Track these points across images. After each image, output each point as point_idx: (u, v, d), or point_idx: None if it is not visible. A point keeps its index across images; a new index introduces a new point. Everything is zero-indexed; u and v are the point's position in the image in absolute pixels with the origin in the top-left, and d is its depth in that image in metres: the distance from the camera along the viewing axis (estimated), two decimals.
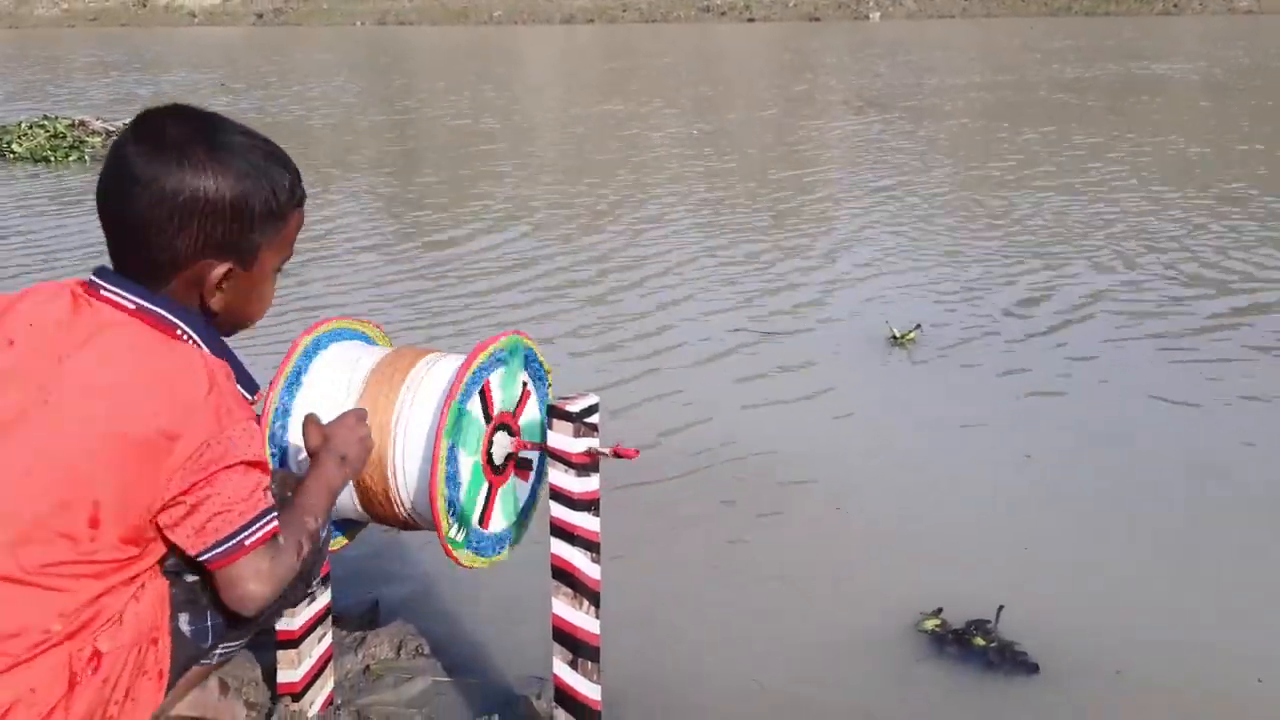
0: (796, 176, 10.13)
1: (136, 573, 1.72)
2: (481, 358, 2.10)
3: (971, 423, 4.37)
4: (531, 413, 2.30)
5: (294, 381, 2.22)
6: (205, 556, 1.71)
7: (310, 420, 1.99)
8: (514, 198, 9.31)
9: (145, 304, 1.70)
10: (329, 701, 2.53)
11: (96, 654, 1.67)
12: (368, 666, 2.78)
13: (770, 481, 3.87)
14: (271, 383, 2.19)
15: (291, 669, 2.43)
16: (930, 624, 2.88)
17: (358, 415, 2.02)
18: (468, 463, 2.13)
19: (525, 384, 2.29)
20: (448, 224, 8.34)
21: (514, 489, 2.31)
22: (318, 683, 2.49)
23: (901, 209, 8.53)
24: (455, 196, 9.40)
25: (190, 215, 1.66)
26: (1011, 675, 2.72)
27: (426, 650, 2.87)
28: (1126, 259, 6.84)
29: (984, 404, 4.59)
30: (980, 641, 2.79)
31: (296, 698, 2.45)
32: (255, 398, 1.81)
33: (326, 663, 2.52)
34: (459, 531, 2.14)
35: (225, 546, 1.70)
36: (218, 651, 1.91)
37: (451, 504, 2.10)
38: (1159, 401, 4.56)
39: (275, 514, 1.77)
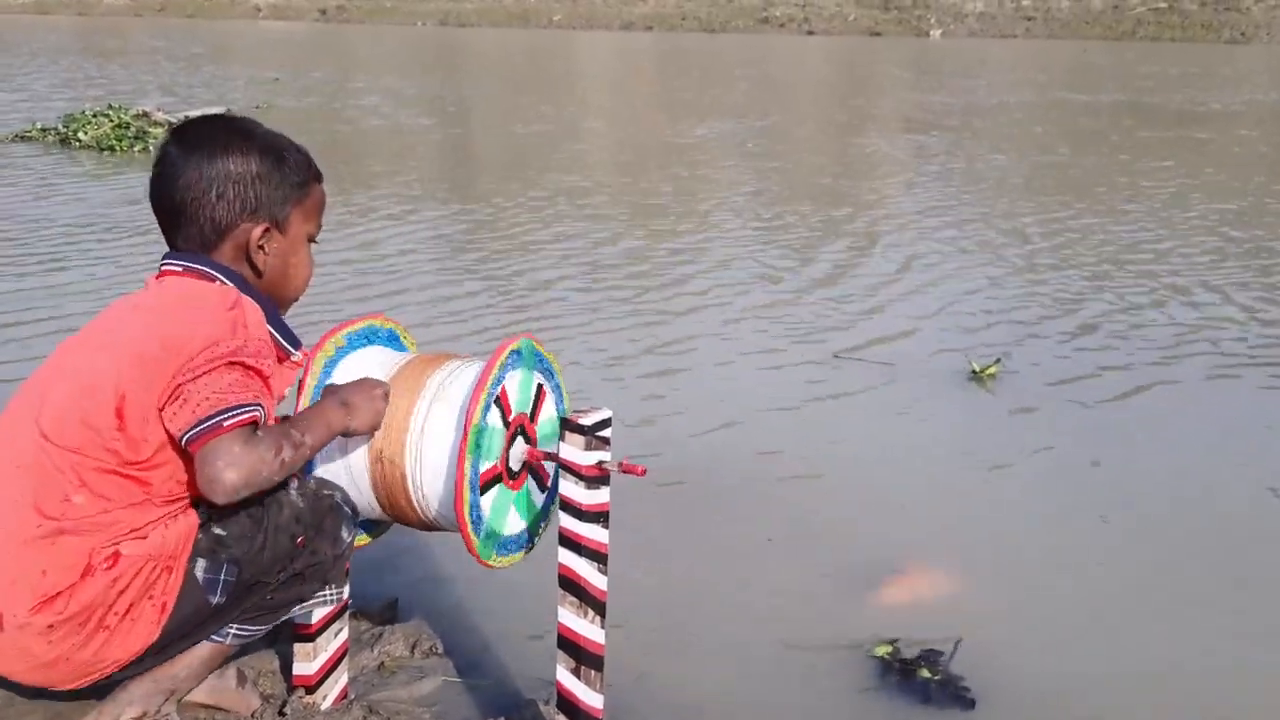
0: (861, 196, 10.13)
1: (170, 497, 1.91)
2: (495, 370, 2.17)
3: (1032, 470, 4.23)
4: (549, 412, 2.35)
5: (333, 361, 2.30)
6: (186, 436, 1.85)
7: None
8: (566, 209, 9.39)
9: (191, 264, 2.04)
10: (343, 695, 2.60)
11: (116, 554, 1.87)
12: (382, 663, 2.85)
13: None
14: (313, 349, 2.28)
15: (307, 662, 2.50)
16: (882, 650, 2.89)
17: (377, 381, 2.19)
18: (489, 471, 2.19)
19: (540, 385, 2.34)
20: (501, 227, 8.44)
21: (529, 491, 2.36)
22: (332, 676, 2.56)
23: (965, 232, 8.50)
24: (510, 199, 9.51)
25: (225, 184, 2.03)
26: (945, 708, 2.74)
27: (440, 650, 2.93)
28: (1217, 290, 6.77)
29: (1054, 448, 4.41)
30: (925, 673, 2.80)
31: (311, 690, 2.52)
32: (300, 353, 2.07)
33: (342, 657, 2.59)
34: (484, 540, 2.20)
35: (204, 425, 1.84)
36: (231, 631, 1.99)
37: (474, 510, 2.16)
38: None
39: (258, 407, 1.90)
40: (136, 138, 11.64)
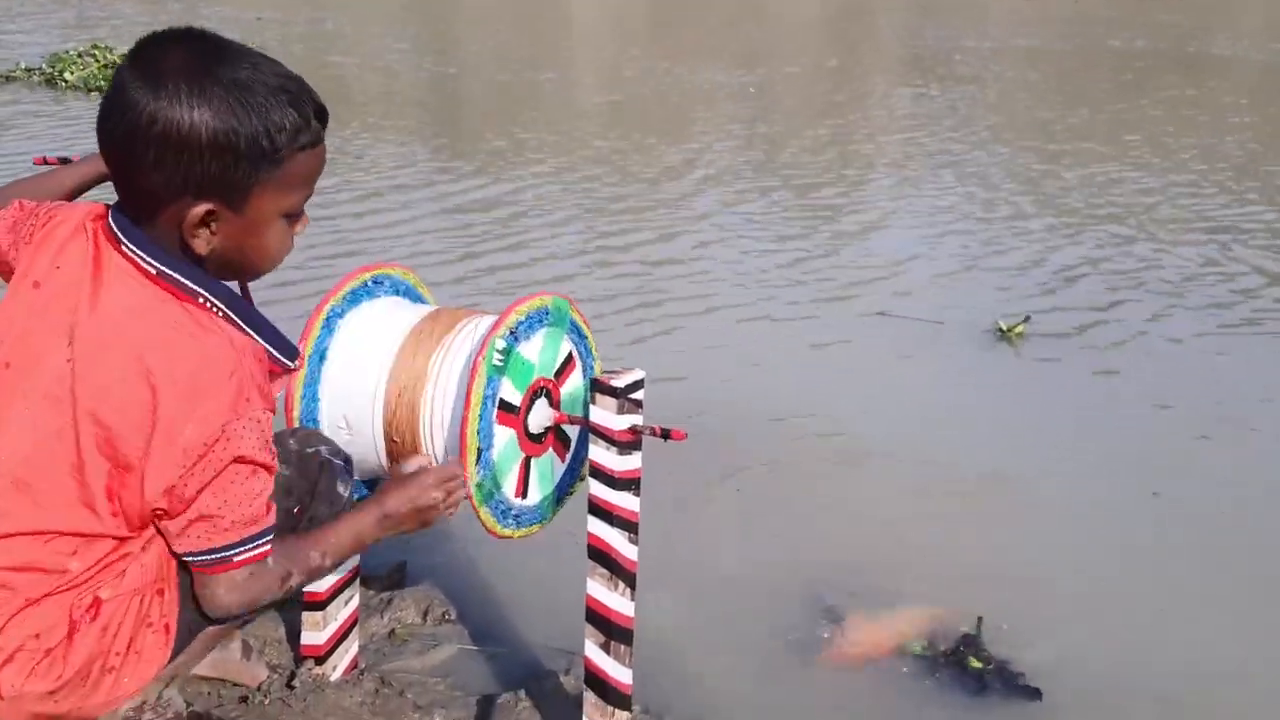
0: (867, 145, 9.93)
1: (150, 536, 1.66)
2: (524, 308, 2.05)
3: (1076, 439, 4.03)
4: (574, 383, 2.22)
5: (330, 326, 2.15)
6: (190, 560, 1.64)
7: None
8: (559, 150, 9.18)
9: (166, 270, 1.58)
10: (353, 665, 2.48)
11: (96, 601, 1.62)
12: (393, 631, 2.73)
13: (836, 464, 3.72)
14: (308, 323, 2.12)
15: (316, 631, 2.38)
16: (918, 647, 2.72)
17: (438, 478, 1.93)
18: (505, 434, 2.05)
19: (571, 354, 2.20)
20: (491, 175, 8.24)
21: (552, 463, 2.23)
22: (342, 646, 2.44)
23: (984, 185, 8.32)
24: (499, 147, 9.29)
25: (164, 149, 1.51)
26: (1009, 699, 2.61)
27: (452, 617, 2.81)
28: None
29: (1095, 415, 4.23)
30: (975, 663, 2.66)
31: (320, 661, 2.40)
32: (295, 364, 1.71)
33: (352, 626, 2.46)
34: (487, 493, 2.05)
35: (212, 559, 1.63)
36: None
37: (483, 456, 2.02)
38: None
39: (269, 538, 1.68)
40: None
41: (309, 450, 1.93)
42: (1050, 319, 5.20)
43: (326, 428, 2.12)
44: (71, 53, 12.13)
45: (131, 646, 1.65)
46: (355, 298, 2.18)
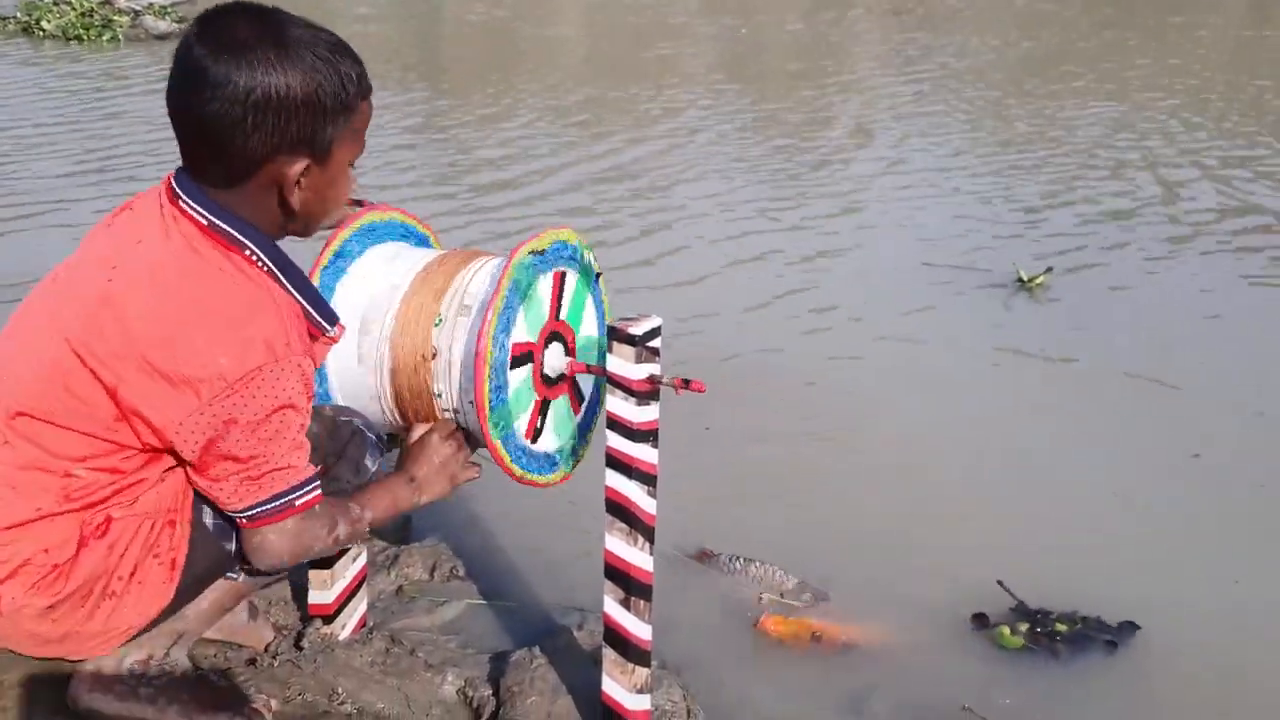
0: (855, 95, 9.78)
1: (167, 465, 1.68)
2: (553, 236, 2.00)
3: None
4: (589, 331, 2.14)
5: (338, 265, 2.07)
6: (240, 515, 1.66)
7: (409, 436, 2.01)
8: (542, 95, 9.02)
9: (217, 221, 1.63)
10: (361, 623, 2.41)
11: (108, 519, 1.65)
12: (400, 587, 2.66)
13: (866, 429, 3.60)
14: (316, 261, 2.05)
15: (324, 590, 2.31)
16: (1010, 641, 2.54)
17: (442, 433, 1.97)
18: (519, 375, 1.98)
19: (589, 305, 2.13)
20: (479, 118, 8.10)
21: (568, 412, 2.15)
22: (350, 604, 2.37)
23: (987, 130, 8.22)
24: (483, 91, 9.13)
25: (264, 113, 1.59)
26: (1083, 652, 2.54)
27: (461, 572, 2.74)
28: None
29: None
30: (1061, 627, 2.57)
31: (328, 620, 2.33)
32: (335, 329, 1.74)
33: (360, 584, 2.39)
34: (499, 430, 1.98)
35: (264, 510, 1.66)
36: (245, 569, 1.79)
37: (498, 391, 1.95)
38: None
39: (313, 488, 1.70)
40: (104, 26, 11.10)
41: (343, 419, 1.94)
42: (1073, 268, 5.05)
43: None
44: (47, 1, 11.85)
45: (135, 574, 1.66)
46: (359, 242, 2.10)
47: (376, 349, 2.02)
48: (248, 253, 1.63)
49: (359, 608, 2.41)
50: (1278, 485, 3.26)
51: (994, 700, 2.31)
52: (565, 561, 2.79)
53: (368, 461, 1.99)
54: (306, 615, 2.36)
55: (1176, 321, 4.52)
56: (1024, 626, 2.53)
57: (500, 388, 1.96)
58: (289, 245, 1.75)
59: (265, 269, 1.65)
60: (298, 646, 2.28)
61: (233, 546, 1.72)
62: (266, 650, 2.28)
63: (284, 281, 1.67)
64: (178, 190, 1.66)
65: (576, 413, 2.19)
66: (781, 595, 2.68)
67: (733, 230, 5.55)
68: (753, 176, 6.64)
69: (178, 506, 1.68)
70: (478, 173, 6.63)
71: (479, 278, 2.03)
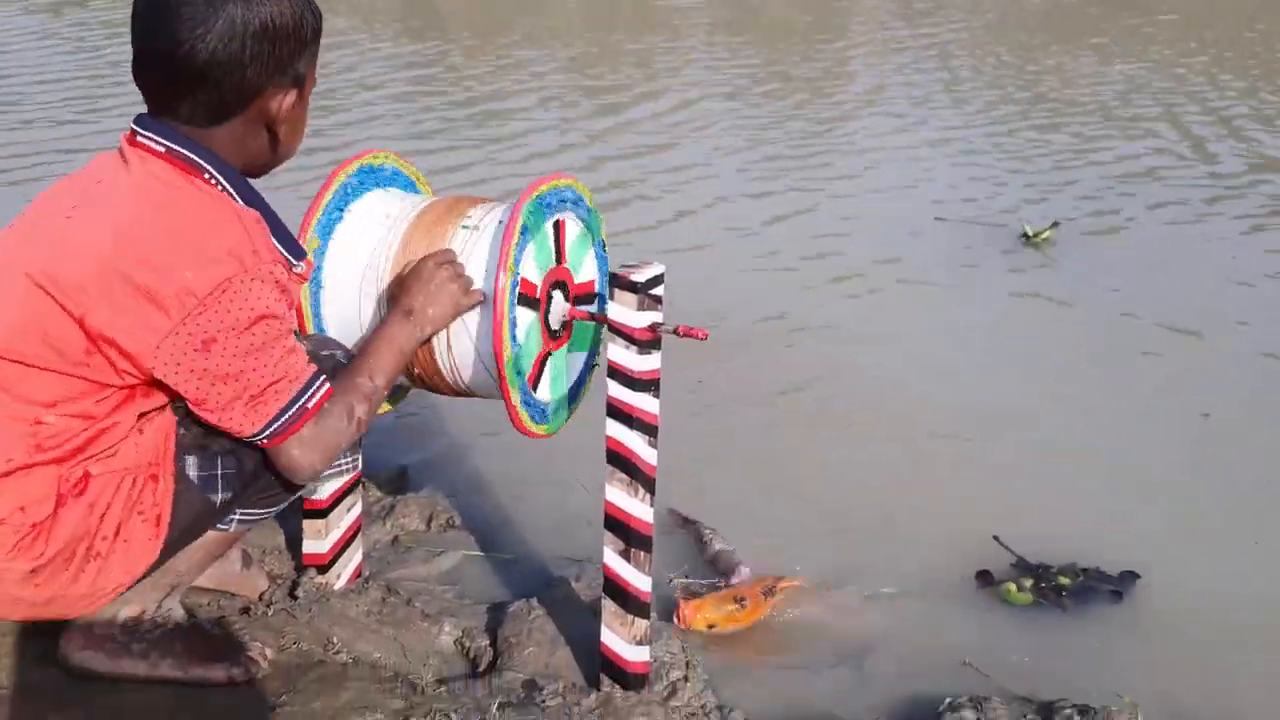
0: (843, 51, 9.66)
1: (147, 407, 1.62)
2: (552, 183, 1.96)
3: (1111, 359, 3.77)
4: (573, 233, 2.11)
5: (341, 203, 2.03)
6: (261, 436, 1.62)
7: (399, 275, 1.93)
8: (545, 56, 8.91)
9: (176, 146, 1.59)
10: (357, 573, 2.39)
11: (86, 475, 1.60)
12: (396, 538, 2.64)
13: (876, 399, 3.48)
14: (308, 212, 2.00)
15: (319, 540, 2.28)
16: (1018, 597, 2.50)
17: (437, 259, 1.89)
18: (526, 317, 1.95)
19: (558, 220, 2.08)
20: (473, 69, 8.00)
21: (565, 363, 2.12)
22: (345, 554, 2.35)
23: (986, 83, 8.13)
24: (479, 39, 9.02)
25: (261, 42, 1.57)
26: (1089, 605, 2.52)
27: (457, 523, 2.72)
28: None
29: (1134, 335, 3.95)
30: (1064, 580, 2.54)
31: (323, 570, 2.31)
32: (302, 265, 1.68)
33: (355, 534, 2.37)
34: (520, 394, 1.96)
35: (280, 424, 1.61)
36: (235, 518, 1.75)
37: (517, 360, 1.93)
38: None
39: (320, 383, 1.65)
40: None
41: (325, 353, 1.85)
42: (1079, 223, 4.96)
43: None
44: None
45: (120, 533, 1.60)
46: (353, 190, 2.06)
47: (377, 275, 1.99)
48: (207, 176, 1.59)
49: (354, 558, 2.38)
50: None
51: (1003, 656, 2.29)
52: (562, 513, 2.76)
53: None
54: (301, 565, 2.33)
55: (1186, 278, 4.45)
56: (1028, 582, 2.51)
57: (514, 323, 1.93)
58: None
59: (225, 191, 1.61)
60: (292, 596, 2.25)
61: (219, 498, 1.68)
62: (260, 599, 2.25)
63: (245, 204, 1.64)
64: (138, 130, 1.62)
65: (573, 373, 2.16)
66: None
67: (733, 188, 5.49)
68: (757, 135, 6.57)
69: (159, 460, 1.63)
70: (468, 127, 6.55)
71: (487, 216, 2.00)
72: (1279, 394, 3.51)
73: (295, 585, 2.28)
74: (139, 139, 1.61)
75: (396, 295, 1.88)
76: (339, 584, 2.33)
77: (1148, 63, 8.61)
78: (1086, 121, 6.84)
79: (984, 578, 2.55)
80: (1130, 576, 2.58)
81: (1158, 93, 7.60)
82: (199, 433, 1.65)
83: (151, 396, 1.61)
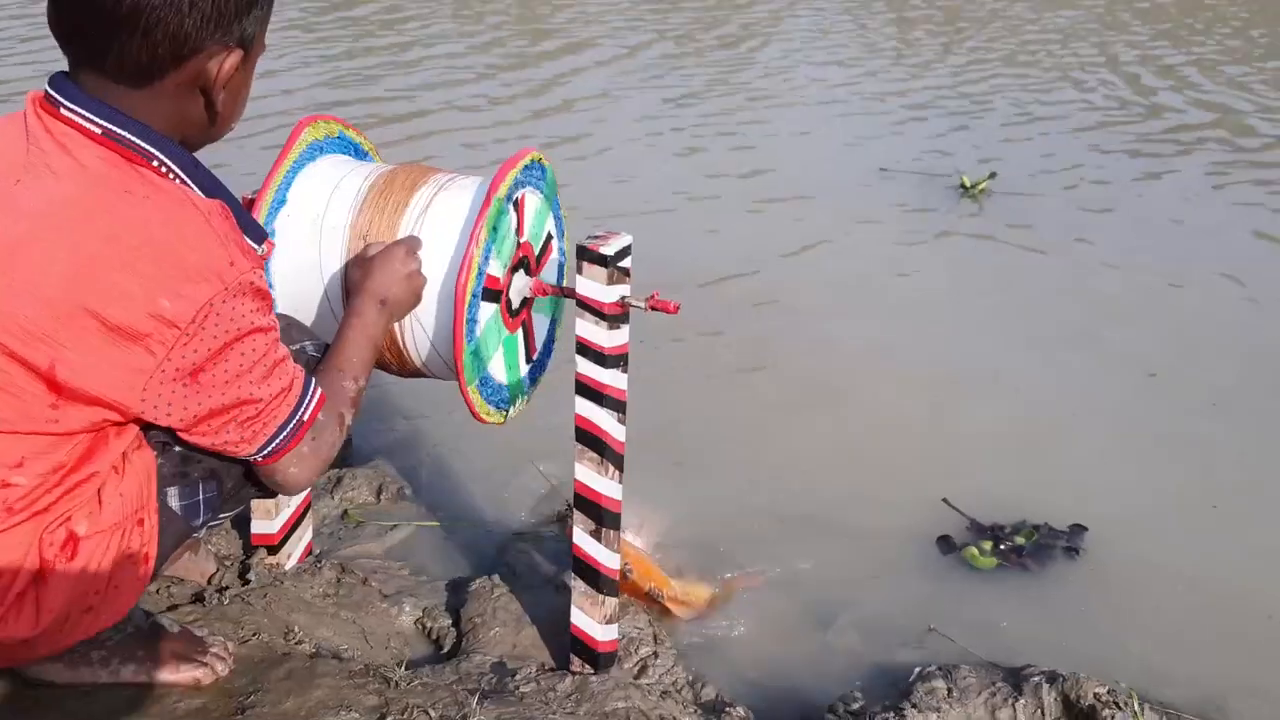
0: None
1: (125, 447, 1.45)
2: (518, 167, 1.84)
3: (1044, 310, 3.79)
4: (532, 207, 2.01)
5: (292, 173, 1.92)
6: (258, 456, 1.50)
7: (359, 254, 1.78)
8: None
9: (114, 128, 1.35)
10: (308, 551, 2.31)
11: (72, 537, 1.42)
12: (345, 511, 2.56)
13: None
14: (262, 187, 1.88)
15: (268, 520, 2.19)
16: (981, 561, 2.50)
17: (407, 247, 1.77)
18: (488, 310, 1.86)
19: (550, 235, 2.01)
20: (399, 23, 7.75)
21: (516, 349, 2.04)
22: (296, 533, 2.26)
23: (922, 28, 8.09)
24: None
25: None
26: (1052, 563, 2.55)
27: (408, 494, 2.65)
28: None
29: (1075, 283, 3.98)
30: (1021, 540, 2.56)
31: (273, 550, 2.22)
32: (263, 248, 1.49)
33: (305, 511, 2.28)
34: (478, 384, 1.88)
35: (279, 441, 1.49)
36: (206, 524, 1.65)
37: (476, 354, 1.84)
38: None
39: (314, 393, 1.53)
40: None
41: (293, 347, 1.70)
42: (1015, 173, 4.96)
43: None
44: None
45: (111, 582, 1.46)
46: (305, 158, 1.95)
47: (341, 246, 1.88)
48: (156, 163, 1.37)
49: (304, 536, 2.30)
50: (1227, 397, 3.28)
51: (968, 621, 2.30)
52: (512, 481, 2.71)
53: None
54: (248, 545, 2.24)
55: (1127, 229, 4.49)
56: (988, 545, 2.52)
57: (474, 322, 1.84)
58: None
59: (179, 181, 1.39)
60: (243, 579, 2.17)
61: (200, 521, 1.57)
62: (210, 583, 2.16)
63: (198, 191, 1.42)
64: (59, 97, 1.36)
65: (533, 353, 2.09)
66: None
67: (671, 147, 5.39)
68: (697, 91, 6.46)
69: (144, 503, 1.49)
70: (380, 81, 6.36)
71: (445, 202, 1.88)
72: (1225, 350, 3.54)
73: (245, 568, 2.19)
74: (64, 113, 1.35)
75: (362, 280, 1.75)
76: (290, 564, 2.25)
77: (1081, 9, 8.65)
78: (1026, 72, 6.85)
79: (945, 543, 2.56)
80: (1079, 530, 2.62)
81: (1098, 42, 7.64)
82: (177, 459, 1.51)
83: (126, 432, 1.45)
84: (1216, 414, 3.15)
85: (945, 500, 2.69)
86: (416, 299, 1.79)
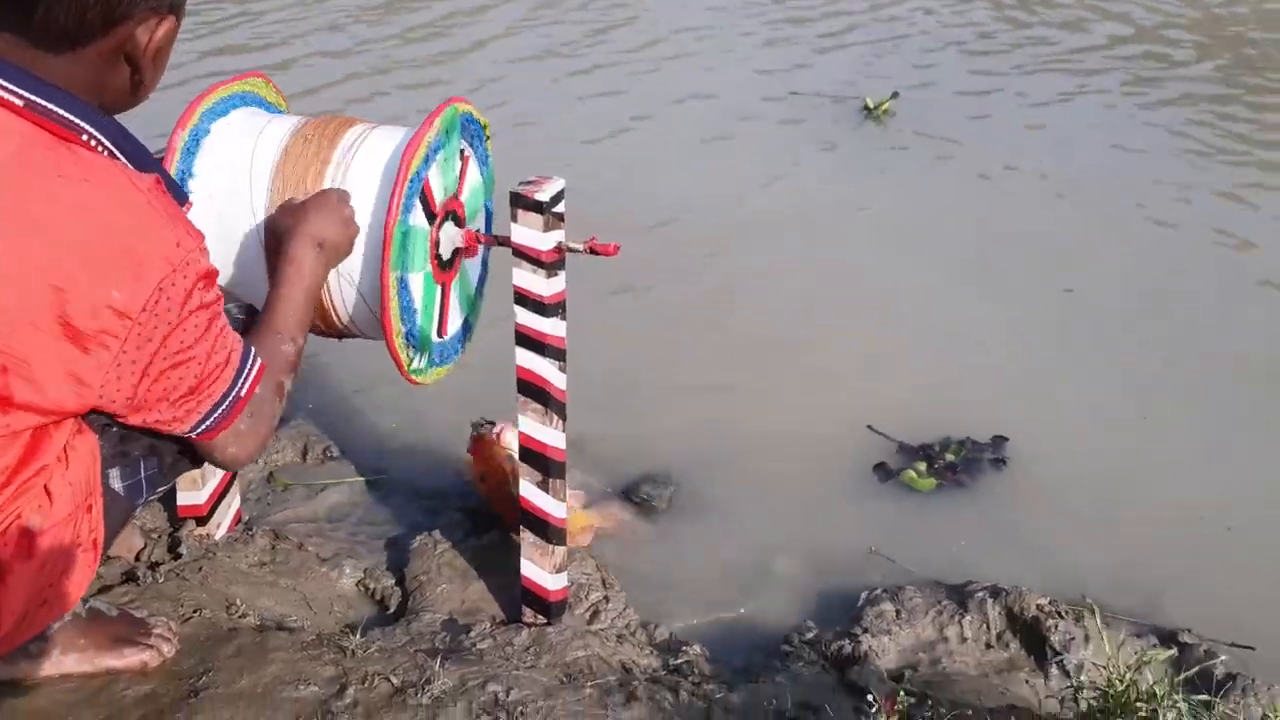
0: None
1: (63, 440, 1.36)
2: (416, 162, 1.74)
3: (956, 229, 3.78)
4: (473, 178, 1.96)
5: (191, 147, 1.82)
6: (194, 433, 1.41)
7: (286, 203, 1.69)
8: None
9: (39, 100, 1.24)
10: (237, 519, 2.24)
11: (27, 535, 1.33)
12: (271, 474, 2.49)
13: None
14: (167, 148, 1.78)
15: (194, 490, 2.11)
16: (920, 482, 2.55)
17: (339, 195, 1.69)
18: (418, 280, 1.80)
19: (463, 150, 1.94)
20: None
21: (465, 273, 1.99)
22: (224, 502, 2.19)
23: None
24: None
25: None
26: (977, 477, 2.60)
27: (335, 453, 2.58)
28: None
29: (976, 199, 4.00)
30: (951, 457, 2.61)
31: (202, 521, 2.15)
32: (186, 206, 1.40)
33: (232, 479, 2.21)
34: (421, 359, 1.83)
35: (218, 415, 1.41)
36: (145, 499, 1.58)
37: (410, 336, 1.78)
38: None
39: (252, 365, 1.44)
40: None
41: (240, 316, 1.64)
42: (919, 93, 4.90)
43: None
44: None
45: (64, 573, 1.39)
46: (218, 110, 1.85)
47: (265, 193, 1.79)
48: (85, 137, 1.27)
49: (233, 504, 2.23)
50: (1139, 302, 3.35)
51: (908, 542, 2.34)
52: (444, 432, 2.65)
53: None
54: (175, 516, 2.17)
55: (1034, 144, 4.49)
56: (923, 466, 2.56)
57: (404, 277, 1.77)
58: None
59: (113, 158, 1.30)
60: (174, 553, 2.09)
61: (143, 498, 1.49)
62: (139, 559, 2.09)
63: (127, 164, 1.32)
64: None
65: (461, 306, 2.03)
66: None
67: (581, 87, 5.23)
68: (566, 33, 6.30)
69: (91, 488, 1.41)
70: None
71: (366, 158, 1.80)
72: (1143, 266, 3.57)
73: (175, 541, 2.12)
74: None
75: (296, 224, 1.65)
76: (219, 534, 2.18)
77: None
78: None
79: (882, 471, 2.59)
80: (1000, 440, 2.68)
81: None
82: (116, 439, 1.44)
83: (68, 421, 1.36)
84: (1132, 326, 3.22)
85: (870, 427, 2.72)
86: (351, 246, 1.71)
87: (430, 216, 1.82)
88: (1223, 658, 1.98)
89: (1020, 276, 3.48)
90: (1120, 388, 2.94)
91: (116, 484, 1.44)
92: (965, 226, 3.81)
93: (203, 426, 1.40)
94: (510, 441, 2.21)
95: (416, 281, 1.79)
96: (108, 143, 1.29)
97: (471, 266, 2.03)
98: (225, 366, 1.39)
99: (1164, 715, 1.30)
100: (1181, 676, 1.71)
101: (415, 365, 1.84)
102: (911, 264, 3.55)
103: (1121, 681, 1.39)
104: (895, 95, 4.70)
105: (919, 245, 3.66)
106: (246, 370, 1.43)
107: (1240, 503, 2.52)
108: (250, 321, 1.64)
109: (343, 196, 1.70)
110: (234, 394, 1.41)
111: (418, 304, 1.81)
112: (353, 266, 1.77)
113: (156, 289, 1.25)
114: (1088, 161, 4.33)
